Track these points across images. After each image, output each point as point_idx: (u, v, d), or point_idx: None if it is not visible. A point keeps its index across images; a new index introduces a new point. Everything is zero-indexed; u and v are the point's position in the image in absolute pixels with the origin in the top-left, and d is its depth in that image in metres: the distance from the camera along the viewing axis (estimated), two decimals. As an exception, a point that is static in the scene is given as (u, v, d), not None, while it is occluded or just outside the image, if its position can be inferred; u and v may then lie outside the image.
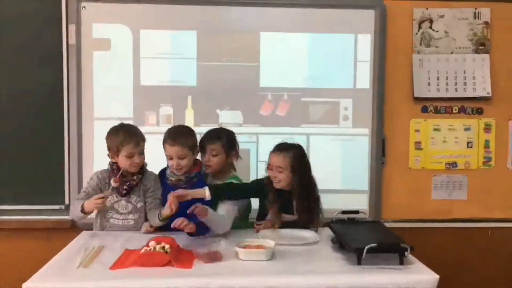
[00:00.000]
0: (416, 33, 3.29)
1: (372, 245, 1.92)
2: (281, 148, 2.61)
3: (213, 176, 2.73)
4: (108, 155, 2.57)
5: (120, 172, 2.50)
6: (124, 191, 2.54)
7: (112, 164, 2.57)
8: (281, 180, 2.55)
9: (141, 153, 2.56)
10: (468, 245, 3.36)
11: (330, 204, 2.74)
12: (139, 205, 2.57)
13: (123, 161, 2.51)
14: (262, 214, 2.66)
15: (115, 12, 3.14)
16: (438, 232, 3.30)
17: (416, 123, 3.32)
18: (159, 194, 2.59)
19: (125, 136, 2.52)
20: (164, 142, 2.59)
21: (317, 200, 2.59)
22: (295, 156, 2.56)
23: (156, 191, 2.59)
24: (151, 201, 2.57)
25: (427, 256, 2.12)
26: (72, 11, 3.08)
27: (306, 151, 2.73)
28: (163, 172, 2.66)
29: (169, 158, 2.57)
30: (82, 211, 2.48)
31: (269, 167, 2.60)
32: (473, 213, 3.35)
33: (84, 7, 3.10)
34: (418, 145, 3.32)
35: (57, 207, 3.18)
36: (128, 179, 2.55)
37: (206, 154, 2.69)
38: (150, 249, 2.08)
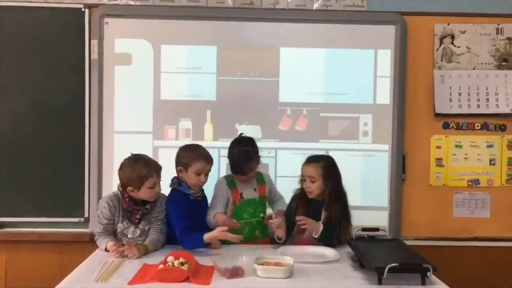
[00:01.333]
0: (438, 49, 3.26)
1: (393, 264, 1.88)
2: (312, 159, 2.68)
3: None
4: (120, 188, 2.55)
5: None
6: (137, 221, 2.53)
7: (122, 192, 2.54)
8: (314, 190, 2.60)
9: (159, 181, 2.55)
10: (490, 264, 3.28)
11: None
12: (147, 228, 2.56)
13: (145, 193, 2.48)
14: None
15: (137, 28, 3.18)
16: (460, 251, 3.24)
17: (437, 139, 3.27)
18: (163, 216, 2.59)
19: (148, 168, 2.50)
20: (196, 159, 2.57)
21: (346, 207, 2.63)
22: (326, 166, 2.64)
23: (162, 213, 2.59)
24: (154, 226, 2.57)
25: (449, 275, 2.08)
26: (95, 26, 3.13)
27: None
28: (177, 190, 2.63)
29: (199, 174, 2.57)
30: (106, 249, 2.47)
31: (302, 178, 2.67)
32: (496, 232, 3.28)
33: (107, 23, 3.14)
34: (439, 162, 3.28)
35: (76, 219, 3.20)
36: (141, 209, 2.53)
37: None
38: (169, 264, 2.07)
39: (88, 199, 3.18)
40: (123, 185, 2.51)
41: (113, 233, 2.53)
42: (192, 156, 2.57)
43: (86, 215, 3.19)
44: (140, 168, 2.47)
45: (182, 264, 2.08)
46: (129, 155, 2.55)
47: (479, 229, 3.28)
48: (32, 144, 3.17)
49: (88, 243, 3.10)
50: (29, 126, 3.17)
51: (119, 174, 2.53)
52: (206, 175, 2.60)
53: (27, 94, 3.16)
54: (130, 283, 2.01)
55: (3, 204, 3.18)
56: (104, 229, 2.52)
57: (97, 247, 2.58)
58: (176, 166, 2.61)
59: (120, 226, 2.52)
